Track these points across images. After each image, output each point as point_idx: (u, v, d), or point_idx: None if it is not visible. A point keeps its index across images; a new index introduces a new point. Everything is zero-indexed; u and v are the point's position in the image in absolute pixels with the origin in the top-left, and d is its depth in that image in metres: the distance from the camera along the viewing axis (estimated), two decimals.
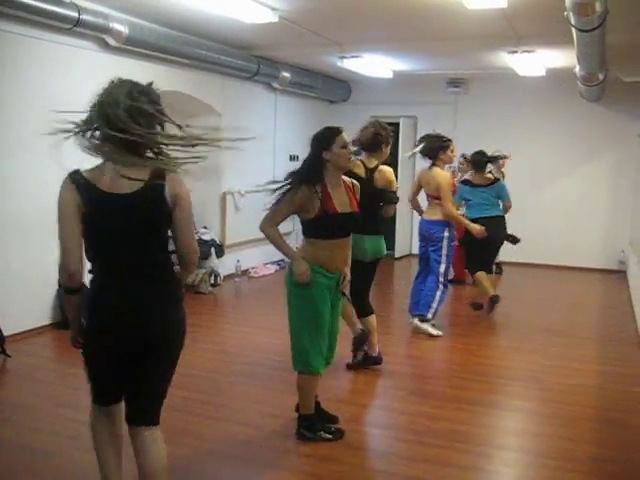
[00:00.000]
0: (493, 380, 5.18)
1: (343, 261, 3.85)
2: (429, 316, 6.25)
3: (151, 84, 2.65)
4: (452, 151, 6.28)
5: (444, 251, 6.16)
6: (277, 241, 3.80)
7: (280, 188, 3.77)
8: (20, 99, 5.69)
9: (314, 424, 3.96)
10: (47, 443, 3.86)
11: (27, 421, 4.16)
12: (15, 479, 3.44)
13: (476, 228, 6.49)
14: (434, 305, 6.24)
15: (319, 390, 4.75)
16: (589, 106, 9.91)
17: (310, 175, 3.71)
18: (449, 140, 6.27)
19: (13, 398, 4.59)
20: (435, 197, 6.23)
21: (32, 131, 5.78)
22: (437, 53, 8.53)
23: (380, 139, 5.11)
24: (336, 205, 3.72)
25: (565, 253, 10.41)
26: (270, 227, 3.78)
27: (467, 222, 6.50)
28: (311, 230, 3.76)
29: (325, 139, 3.74)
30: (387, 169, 5.16)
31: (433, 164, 6.24)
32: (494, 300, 6.89)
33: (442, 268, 6.18)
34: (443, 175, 6.18)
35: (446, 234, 6.15)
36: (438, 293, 6.21)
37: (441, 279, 6.20)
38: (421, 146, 6.31)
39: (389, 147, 5.22)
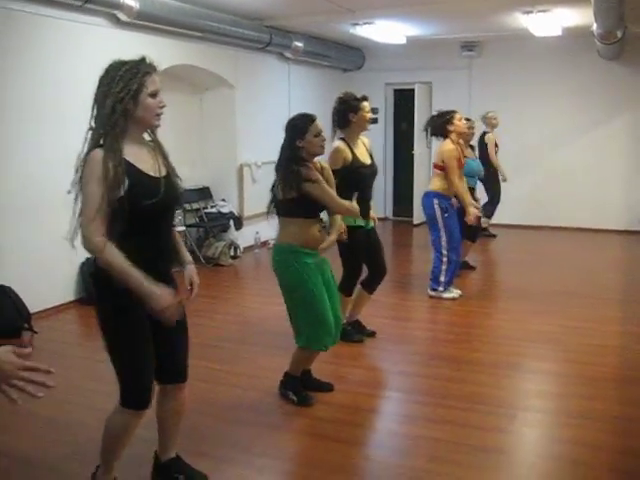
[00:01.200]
0: (513, 342, 5.19)
1: (321, 238, 3.92)
2: (440, 289, 6.32)
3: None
4: (460, 120, 6.23)
5: (439, 221, 6.15)
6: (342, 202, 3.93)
7: (277, 171, 3.86)
8: (32, 77, 5.72)
9: (291, 383, 4.06)
10: (71, 414, 3.95)
11: (54, 394, 4.21)
12: (45, 451, 3.52)
13: (470, 213, 6.18)
14: (442, 279, 6.29)
15: (338, 357, 4.81)
16: (607, 65, 9.75)
17: (293, 159, 3.78)
18: (452, 112, 6.24)
19: None
20: (437, 167, 6.25)
21: (46, 107, 5.86)
22: (450, 16, 8.43)
23: (342, 111, 4.84)
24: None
25: (584, 215, 10.32)
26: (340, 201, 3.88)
27: (468, 202, 6.21)
28: (296, 210, 3.79)
29: (299, 127, 3.80)
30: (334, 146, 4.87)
31: (446, 138, 6.23)
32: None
33: (442, 240, 6.18)
34: (447, 147, 6.14)
35: (436, 204, 6.12)
36: (443, 267, 6.24)
37: (444, 251, 6.19)
38: (429, 129, 6.32)
39: (361, 114, 4.80)
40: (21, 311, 5.42)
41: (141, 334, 2.65)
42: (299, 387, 4.07)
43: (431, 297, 6.35)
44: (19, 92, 5.61)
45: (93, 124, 2.56)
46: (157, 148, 2.70)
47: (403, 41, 9.70)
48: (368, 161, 4.90)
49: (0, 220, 5.53)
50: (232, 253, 8.30)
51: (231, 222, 8.41)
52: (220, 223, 8.30)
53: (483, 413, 3.91)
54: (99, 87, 2.54)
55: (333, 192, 3.86)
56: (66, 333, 5.67)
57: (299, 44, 9.15)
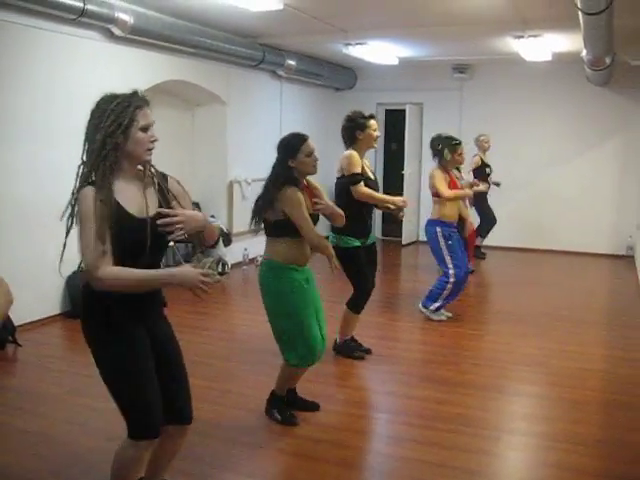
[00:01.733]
0: (501, 365, 5.19)
1: (310, 255, 3.95)
2: (432, 308, 6.28)
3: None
4: (460, 154, 6.22)
5: (443, 249, 6.08)
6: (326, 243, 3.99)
7: (265, 188, 3.85)
8: (26, 90, 5.71)
9: (276, 402, 4.05)
10: (55, 429, 3.91)
11: (37, 408, 4.21)
12: (22, 465, 3.48)
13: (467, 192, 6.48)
14: (438, 303, 6.24)
15: (327, 376, 4.81)
16: (596, 90, 9.86)
17: (286, 177, 3.79)
18: (458, 143, 6.22)
19: (24, 386, 4.64)
20: (434, 195, 6.19)
21: (39, 121, 5.85)
22: (442, 39, 8.50)
23: (350, 129, 5.04)
24: (307, 206, 3.84)
25: (573, 239, 10.38)
26: (318, 236, 3.87)
27: (463, 192, 6.38)
28: (285, 230, 3.78)
29: (291, 147, 3.82)
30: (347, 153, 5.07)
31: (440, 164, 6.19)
32: None
33: (449, 263, 6.08)
34: (433, 173, 6.12)
35: (439, 232, 6.08)
36: (445, 292, 6.17)
37: (450, 272, 6.08)
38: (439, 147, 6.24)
39: (368, 132, 5.00)
40: (6, 323, 5.36)
41: (138, 357, 2.58)
42: (283, 406, 4.05)
43: (420, 312, 6.34)
44: (10, 104, 5.59)
45: (84, 158, 2.52)
46: (153, 184, 2.63)
47: (395, 62, 9.77)
48: (372, 177, 5.12)
49: None
50: (220, 269, 8.27)
51: (220, 238, 8.39)
52: None
53: (469, 435, 3.90)
54: (90, 120, 2.50)
55: (306, 222, 3.78)
56: (51, 346, 5.62)
57: (292, 62, 9.19)
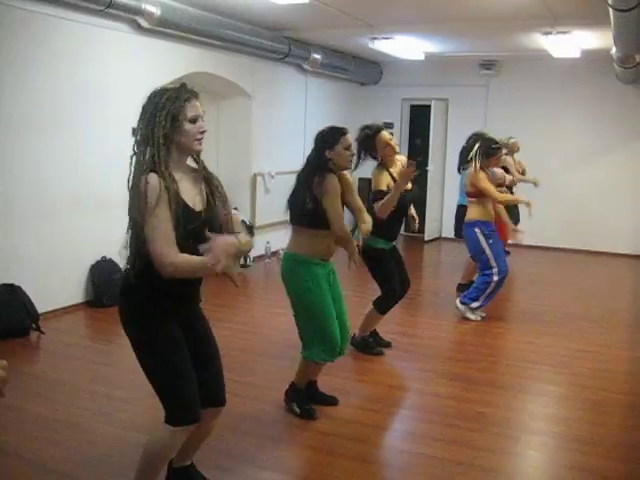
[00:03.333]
0: (522, 364, 5.15)
1: (333, 250, 3.95)
2: (473, 305, 6.20)
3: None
4: (498, 159, 6.16)
5: (486, 249, 6.02)
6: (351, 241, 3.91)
7: (298, 179, 3.86)
8: (53, 81, 5.76)
9: (295, 395, 4.04)
10: (74, 417, 3.94)
11: (59, 396, 4.26)
12: (39, 451, 3.52)
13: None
14: (480, 302, 6.16)
15: (347, 371, 4.81)
16: (625, 88, 9.73)
17: (322, 168, 3.79)
18: (500, 147, 6.17)
19: (46, 374, 4.70)
20: (469, 195, 6.13)
21: (64, 111, 5.90)
22: (470, 35, 8.44)
23: (366, 137, 4.94)
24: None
25: (597, 238, 10.27)
26: (345, 228, 3.85)
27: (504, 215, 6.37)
28: (314, 220, 3.78)
29: (330, 138, 3.83)
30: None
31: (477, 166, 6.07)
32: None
33: (492, 263, 6.02)
34: (473, 173, 5.98)
35: (479, 233, 6.02)
36: (488, 291, 6.10)
37: (495, 277, 6.02)
38: (477, 146, 6.17)
39: (383, 138, 4.92)
40: (30, 311, 5.44)
41: (175, 344, 2.63)
42: (303, 399, 4.05)
43: (457, 308, 6.27)
44: (37, 95, 5.64)
45: (136, 149, 2.57)
46: (204, 177, 2.70)
47: (421, 57, 9.72)
48: (409, 185, 4.91)
49: (14, 220, 5.56)
50: (242, 262, 8.31)
51: (242, 231, 8.40)
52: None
53: (489, 434, 3.88)
54: (142, 114, 2.56)
55: (338, 214, 3.78)
56: (73, 335, 5.67)
57: (317, 56, 9.17)
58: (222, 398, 2.89)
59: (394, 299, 5.16)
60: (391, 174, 4.92)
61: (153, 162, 2.49)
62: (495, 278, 6.03)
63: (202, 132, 2.61)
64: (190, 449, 2.99)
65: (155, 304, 2.58)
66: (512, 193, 8.39)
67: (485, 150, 6.01)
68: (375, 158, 4.97)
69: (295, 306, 3.91)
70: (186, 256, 2.46)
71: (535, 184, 8.95)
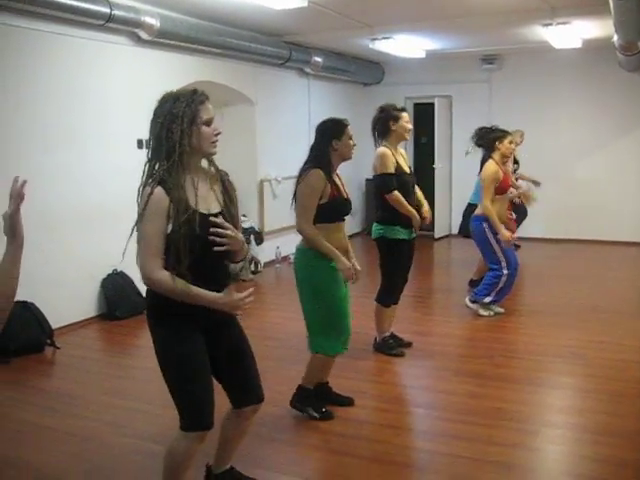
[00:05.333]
0: (536, 357, 5.13)
1: (346, 243, 3.99)
2: (486, 300, 6.13)
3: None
4: (510, 142, 6.05)
5: (493, 244, 5.95)
6: (319, 242, 3.79)
7: (300, 175, 3.86)
8: (54, 97, 5.79)
9: (307, 397, 4.03)
10: (90, 430, 3.95)
11: (75, 410, 4.28)
12: (56, 465, 3.53)
13: (505, 235, 5.95)
14: (491, 297, 6.09)
15: (361, 372, 4.81)
16: (628, 76, 9.65)
17: (323, 161, 3.82)
18: (507, 132, 6.10)
19: (61, 388, 4.72)
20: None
21: (69, 127, 5.93)
22: (469, 30, 8.42)
23: (382, 120, 5.02)
24: (342, 191, 3.91)
25: (606, 228, 10.21)
26: (309, 226, 3.80)
27: (498, 225, 5.95)
28: (323, 215, 3.80)
29: (336, 129, 3.90)
30: (380, 151, 5.04)
31: (489, 156, 6.06)
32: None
33: (500, 258, 5.96)
34: (489, 169, 5.93)
35: (486, 228, 5.95)
36: (500, 285, 6.03)
37: (503, 265, 5.96)
38: (475, 138, 6.19)
39: (401, 123, 4.97)
40: (44, 327, 5.47)
41: (196, 353, 2.65)
42: (316, 401, 4.03)
43: (467, 307, 6.22)
44: (40, 111, 5.67)
45: (150, 156, 2.59)
46: (219, 180, 2.71)
47: (422, 55, 9.72)
48: (408, 170, 5.07)
49: (25, 236, 5.57)
50: (253, 268, 8.32)
51: (252, 237, 8.42)
52: None
53: (506, 429, 3.87)
54: (154, 119, 2.57)
55: (307, 211, 3.77)
56: (88, 349, 5.69)
57: (318, 59, 9.19)
58: (260, 395, 2.94)
59: (395, 292, 5.17)
60: (396, 158, 4.97)
61: (164, 171, 2.50)
62: (505, 272, 5.98)
63: (217, 134, 2.64)
64: (228, 451, 3.03)
65: (179, 307, 2.56)
66: (516, 189, 8.37)
67: (493, 136, 6.00)
68: (383, 136, 5.02)
69: (306, 298, 3.89)
70: (176, 278, 2.47)
71: (535, 184, 8.88)
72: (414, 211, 4.99)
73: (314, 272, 3.85)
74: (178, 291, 2.49)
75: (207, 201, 2.60)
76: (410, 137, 11.65)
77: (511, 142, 6.08)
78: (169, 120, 2.51)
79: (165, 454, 2.76)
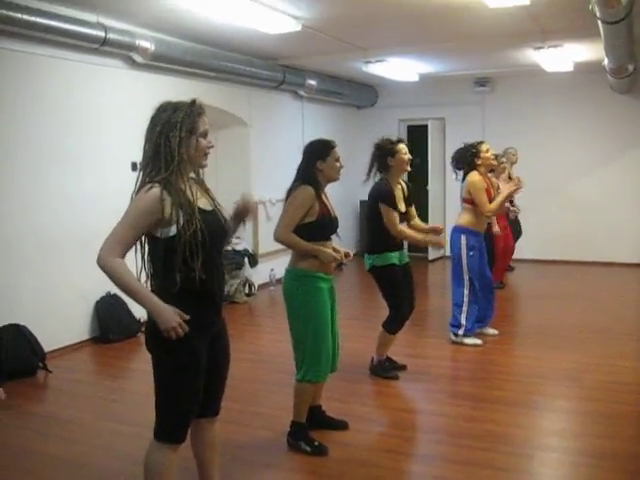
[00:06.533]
0: (532, 380, 5.12)
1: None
2: (460, 332, 6.01)
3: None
4: (487, 151, 5.99)
5: (463, 261, 5.88)
6: (298, 244, 3.78)
7: (288, 194, 3.86)
8: (49, 120, 5.80)
9: (300, 432, 3.95)
10: (83, 454, 3.92)
11: (68, 434, 4.23)
12: None
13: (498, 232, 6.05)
14: (463, 322, 5.97)
15: (355, 395, 4.78)
16: (620, 98, 9.77)
17: (311, 180, 3.82)
18: (479, 143, 6.05)
19: (54, 412, 4.67)
20: (465, 201, 5.99)
21: (63, 151, 5.93)
22: (462, 53, 8.50)
23: (380, 157, 5.04)
24: (329, 209, 3.90)
25: (601, 249, 10.26)
26: (286, 233, 3.79)
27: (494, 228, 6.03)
28: (311, 233, 3.78)
29: (321, 150, 3.90)
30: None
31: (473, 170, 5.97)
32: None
33: (465, 280, 5.90)
34: (473, 179, 5.87)
35: (463, 242, 5.88)
36: (464, 308, 5.94)
37: (465, 291, 5.90)
38: (454, 162, 6.16)
39: (399, 156, 4.99)
40: (36, 350, 5.42)
41: (197, 373, 2.66)
42: (309, 435, 3.95)
43: (454, 343, 6.06)
44: (34, 135, 5.67)
45: (143, 164, 2.62)
46: (201, 184, 2.78)
47: (416, 78, 9.79)
48: (402, 209, 5.05)
49: (15, 259, 5.57)
50: (247, 291, 8.30)
51: (246, 259, 8.41)
52: (235, 261, 8.30)
53: (501, 453, 3.84)
54: (151, 127, 2.60)
55: (289, 220, 3.78)
56: (80, 372, 5.65)
57: (312, 82, 9.24)
58: (217, 409, 2.95)
59: (404, 320, 5.15)
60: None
61: (163, 178, 2.53)
62: (466, 291, 5.91)
63: (210, 147, 2.70)
64: (206, 470, 3.01)
65: (191, 319, 2.57)
66: (513, 205, 8.39)
67: (469, 154, 5.96)
68: (382, 171, 5.05)
69: (293, 323, 3.87)
70: (128, 269, 2.50)
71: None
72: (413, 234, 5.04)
73: (299, 292, 3.81)
74: (126, 283, 2.50)
75: (202, 201, 2.68)
76: None
77: (487, 150, 5.99)
78: (167, 128, 2.55)
79: (144, 466, 2.75)
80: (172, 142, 2.54)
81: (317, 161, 3.85)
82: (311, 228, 3.78)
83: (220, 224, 2.73)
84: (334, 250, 3.88)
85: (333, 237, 3.97)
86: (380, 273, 5.01)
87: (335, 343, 3.94)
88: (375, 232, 4.99)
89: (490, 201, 5.84)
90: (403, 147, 5.02)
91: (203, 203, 2.68)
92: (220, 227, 2.73)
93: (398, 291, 5.05)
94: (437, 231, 5.26)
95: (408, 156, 5.03)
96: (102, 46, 5.86)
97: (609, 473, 3.58)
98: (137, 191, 2.58)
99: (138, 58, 6.39)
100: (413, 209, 5.25)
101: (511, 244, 8.60)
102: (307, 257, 3.81)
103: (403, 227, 4.98)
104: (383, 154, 5.01)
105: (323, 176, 3.87)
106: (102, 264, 2.50)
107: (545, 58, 8.00)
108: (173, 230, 2.53)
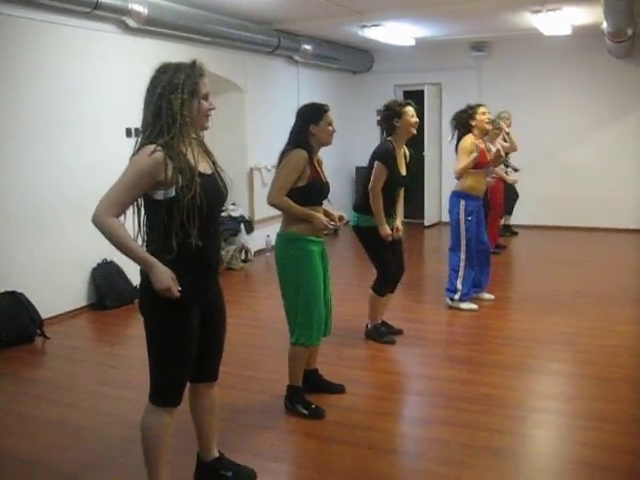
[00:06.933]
0: (527, 344, 5.15)
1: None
2: (456, 297, 6.04)
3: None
4: (483, 114, 5.94)
5: (461, 225, 5.88)
6: (292, 207, 3.76)
7: (281, 158, 3.84)
8: (40, 85, 5.74)
9: (296, 396, 3.98)
10: (82, 419, 3.95)
11: (66, 400, 4.26)
12: (49, 455, 3.52)
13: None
14: (459, 286, 5.99)
15: (352, 360, 4.81)
16: (618, 63, 9.69)
17: (303, 143, 3.79)
18: (477, 105, 6.02)
19: (52, 378, 4.70)
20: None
21: (54, 116, 5.88)
22: (459, 17, 8.39)
23: (387, 117, 5.01)
24: (320, 174, 3.87)
25: (597, 214, 10.27)
26: (279, 197, 3.77)
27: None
28: (303, 197, 3.76)
29: (314, 114, 3.87)
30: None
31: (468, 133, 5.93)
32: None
33: (462, 245, 5.91)
34: (465, 140, 5.85)
35: (462, 206, 5.86)
36: (461, 273, 5.96)
37: (462, 255, 5.92)
38: (454, 123, 6.09)
39: (405, 118, 4.92)
40: (33, 317, 5.44)
41: (190, 337, 2.67)
42: (305, 398, 3.98)
43: (450, 307, 6.09)
44: (25, 100, 5.62)
45: (144, 126, 2.58)
46: (202, 146, 2.74)
47: (412, 43, 9.68)
48: (403, 172, 5.03)
49: (12, 227, 5.55)
50: (243, 257, 8.31)
51: (242, 226, 8.41)
52: (231, 227, 8.29)
53: (496, 415, 3.88)
54: (151, 88, 2.56)
55: (283, 183, 3.76)
56: (78, 339, 5.67)
57: (308, 47, 9.15)
58: (216, 374, 2.97)
59: (391, 281, 5.15)
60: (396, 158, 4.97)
61: (165, 142, 2.49)
62: (462, 256, 5.93)
63: (211, 109, 2.66)
64: (209, 439, 3.05)
65: (182, 285, 2.54)
66: (507, 166, 8.40)
67: (465, 116, 5.94)
68: (389, 133, 5.03)
69: (284, 286, 3.88)
70: (123, 228, 2.49)
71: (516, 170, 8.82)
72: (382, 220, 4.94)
73: (291, 256, 3.81)
74: (121, 241, 2.47)
75: (202, 165, 2.65)
76: None
77: (483, 113, 5.95)
78: (169, 90, 2.51)
79: (140, 429, 2.78)
80: (174, 104, 2.50)
81: (310, 124, 3.82)
82: (302, 192, 3.75)
83: (219, 188, 2.71)
84: (326, 214, 3.87)
85: (324, 202, 3.95)
86: (363, 234, 5.04)
87: (328, 307, 3.96)
88: (368, 192, 4.95)
89: (483, 163, 5.86)
90: (410, 109, 4.96)
91: (203, 167, 2.65)
92: (218, 191, 2.70)
93: (382, 254, 5.05)
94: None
95: (415, 119, 4.97)
96: (94, 10, 5.77)
97: (605, 435, 3.61)
98: (137, 152, 2.55)
99: (131, 22, 6.30)
100: (402, 191, 5.18)
101: (500, 205, 8.56)
102: (298, 221, 3.79)
103: (379, 203, 4.90)
104: (390, 115, 4.97)
105: (316, 140, 3.84)
106: (98, 222, 2.47)
107: (543, 21, 7.90)
108: (173, 192, 2.51)
